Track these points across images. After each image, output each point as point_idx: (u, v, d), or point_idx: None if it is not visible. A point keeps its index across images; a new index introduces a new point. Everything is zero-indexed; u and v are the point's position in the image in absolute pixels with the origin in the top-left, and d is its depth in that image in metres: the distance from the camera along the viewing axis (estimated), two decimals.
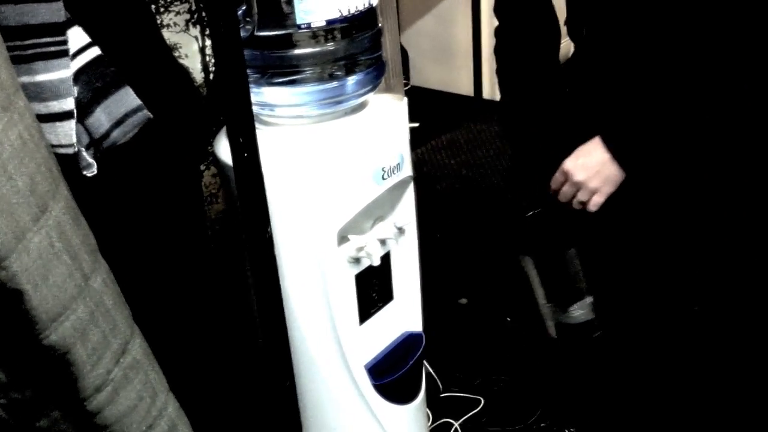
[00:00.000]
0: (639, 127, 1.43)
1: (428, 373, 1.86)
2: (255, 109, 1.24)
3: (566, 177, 1.48)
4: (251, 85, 1.20)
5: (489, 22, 3.83)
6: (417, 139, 1.44)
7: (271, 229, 1.13)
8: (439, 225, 2.63)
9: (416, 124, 3.31)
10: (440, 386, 1.96)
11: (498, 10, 1.68)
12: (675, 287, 1.66)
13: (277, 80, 1.21)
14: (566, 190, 1.50)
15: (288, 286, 1.24)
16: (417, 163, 1.41)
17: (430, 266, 1.55)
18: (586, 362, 1.80)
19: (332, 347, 1.31)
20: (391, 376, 1.39)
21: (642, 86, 1.45)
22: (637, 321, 1.71)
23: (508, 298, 2.21)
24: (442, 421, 1.86)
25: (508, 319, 2.22)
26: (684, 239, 1.61)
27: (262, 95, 1.22)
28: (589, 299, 1.66)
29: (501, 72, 1.71)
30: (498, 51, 1.70)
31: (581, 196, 1.48)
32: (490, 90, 3.83)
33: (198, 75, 1.47)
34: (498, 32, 1.69)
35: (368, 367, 1.37)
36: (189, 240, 1.14)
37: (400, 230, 1.36)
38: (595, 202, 1.47)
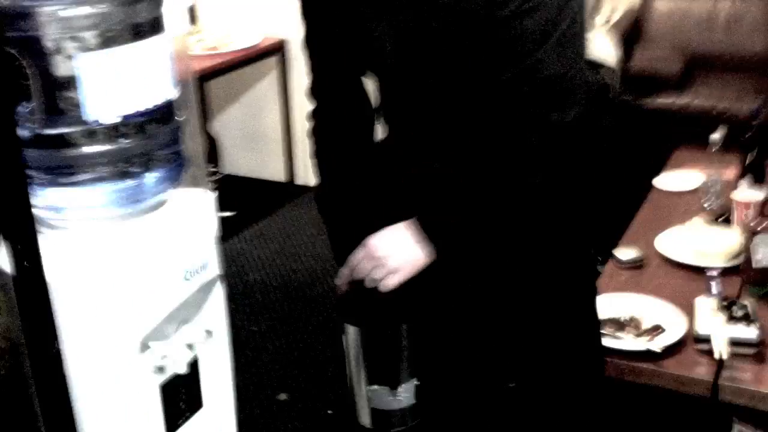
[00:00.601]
0: (448, 211, 1.45)
1: None
2: (40, 212, 1.14)
3: (367, 251, 1.46)
4: (36, 187, 1.11)
5: (300, 107, 3.84)
6: (229, 229, 1.37)
7: (58, 343, 1.03)
8: (253, 317, 2.54)
9: (232, 213, 3.23)
10: None
11: (313, 92, 1.67)
12: (492, 365, 1.67)
13: (65, 180, 1.12)
14: (365, 265, 1.48)
15: (83, 405, 1.12)
16: (229, 256, 1.34)
17: (246, 362, 1.48)
18: None
19: None
20: None
21: (449, 171, 1.48)
22: (459, 404, 1.70)
23: (330, 390, 2.15)
24: None
25: (330, 411, 2.16)
26: (496, 318, 1.62)
27: (48, 197, 1.12)
28: (414, 382, 1.62)
29: (317, 154, 1.69)
30: (314, 132, 1.69)
31: (378, 273, 1.46)
32: (304, 175, 3.82)
33: None
34: (313, 114, 1.68)
35: None
36: None
37: (209, 333, 1.28)
38: (391, 282, 1.46)
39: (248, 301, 2.63)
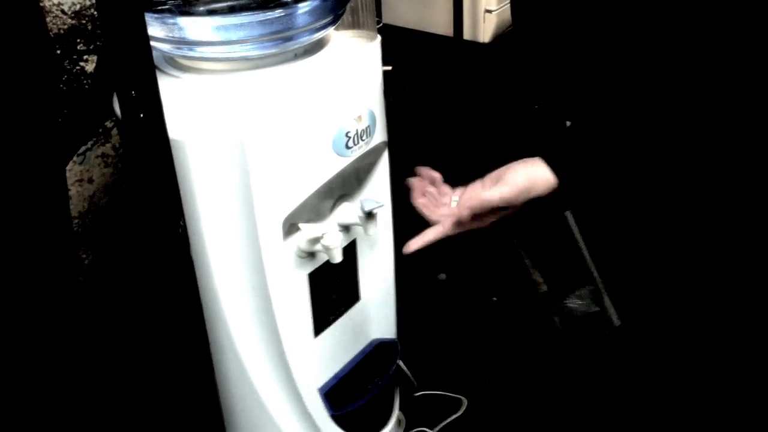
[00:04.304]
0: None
1: (400, 370, 1.55)
2: (168, 48, 0.90)
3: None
4: (166, 16, 0.86)
5: None
6: (387, 87, 1.10)
7: (183, 221, 0.80)
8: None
9: (389, 68, 2.94)
10: (415, 384, 1.65)
11: None
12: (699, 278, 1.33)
13: (197, 8, 0.86)
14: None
15: (214, 296, 0.91)
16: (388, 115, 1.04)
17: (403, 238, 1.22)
18: (592, 361, 1.50)
19: (278, 369, 0.99)
20: (355, 402, 1.07)
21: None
22: (655, 316, 1.40)
23: (495, 273, 1.89)
24: (417, 430, 1.55)
25: (495, 298, 1.91)
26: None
27: (176, 29, 0.87)
28: (588, 288, 1.33)
29: None
30: None
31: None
32: (472, 29, 3.48)
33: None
34: None
35: (325, 390, 1.06)
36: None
37: (370, 214, 1.02)
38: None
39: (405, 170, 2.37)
